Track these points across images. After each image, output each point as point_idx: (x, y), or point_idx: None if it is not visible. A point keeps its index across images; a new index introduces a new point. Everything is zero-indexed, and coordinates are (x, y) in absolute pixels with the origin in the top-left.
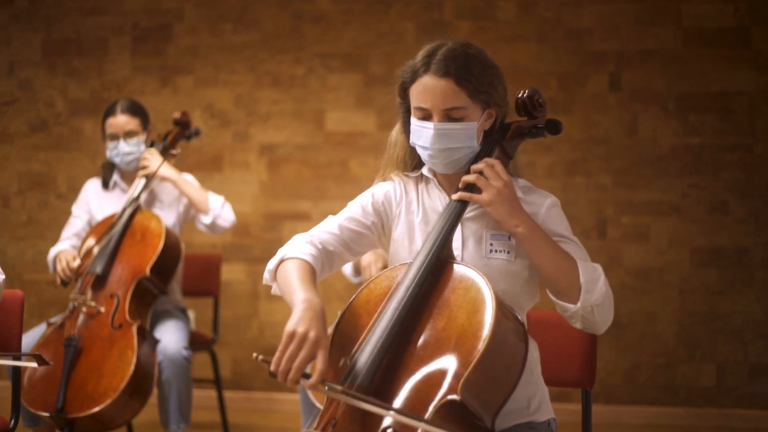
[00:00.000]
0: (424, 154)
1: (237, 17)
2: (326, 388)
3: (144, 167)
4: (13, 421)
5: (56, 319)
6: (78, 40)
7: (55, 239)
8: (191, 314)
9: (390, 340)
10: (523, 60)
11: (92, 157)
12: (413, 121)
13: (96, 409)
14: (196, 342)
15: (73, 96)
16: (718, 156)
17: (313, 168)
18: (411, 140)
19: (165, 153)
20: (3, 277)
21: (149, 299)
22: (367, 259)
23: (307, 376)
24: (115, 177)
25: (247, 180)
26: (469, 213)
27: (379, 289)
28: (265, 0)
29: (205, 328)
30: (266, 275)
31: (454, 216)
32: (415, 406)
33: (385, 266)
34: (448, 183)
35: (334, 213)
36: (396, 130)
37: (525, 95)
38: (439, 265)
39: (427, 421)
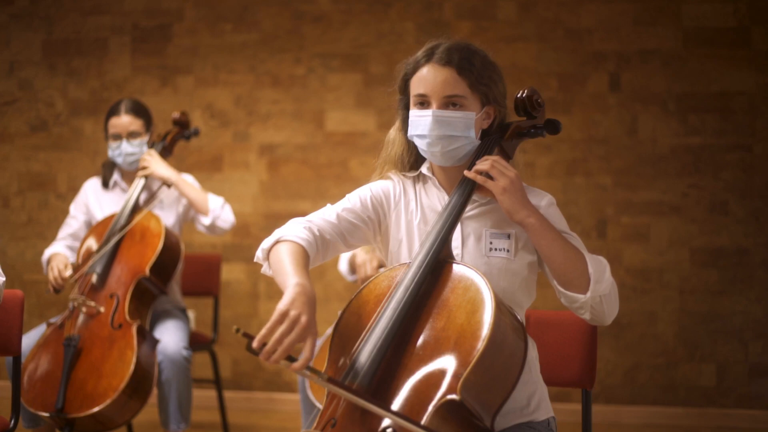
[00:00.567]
0: (422, 144)
1: (237, 17)
2: (311, 374)
3: (143, 168)
4: (13, 421)
5: (56, 319)
6: (78, 40)
7: (54, 239)
8: (191, 314)
9: (389, 340)
10: (523, 60)
11: (92, 157)
12: (412, 111)
13: (96, 409)
14: (196, 342)
15: (73, 96)
16: (718, 156)
17: (313, 168)
18: (409, 132)
19: (164, 153)
20: (3, 279)
21: (149, 299)
22: (362, 257)
23: (291, 359)
24: (116, 177)
25: (247, 180)
26: (468, 212)
27: (379, 289)
28: (265, 0)
29: (205, 328)
30: (259, 253)
31: (454, 215)
32: (414, 406)
33: (380, 266)
34: (447, 182)
35: None
36: (394, 129)
37: (524, 95)
38: (438, 264)
39: (423, 427)
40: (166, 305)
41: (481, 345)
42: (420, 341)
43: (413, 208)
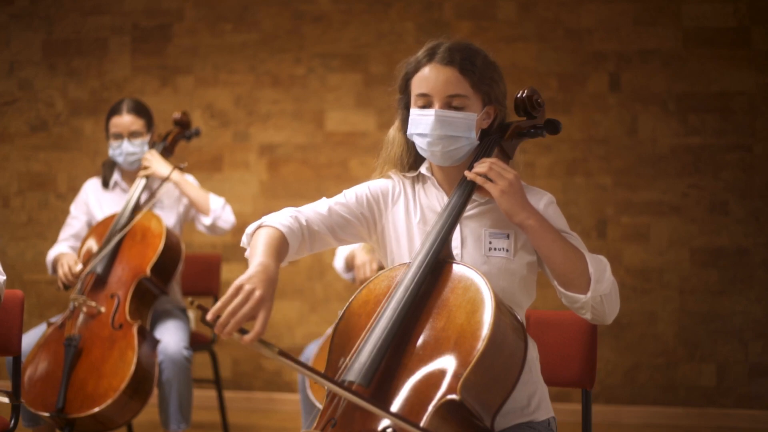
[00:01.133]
0: (422, 143)
1: (237, 17)
2: (262, 347)
3: (145, 168)
4: (13, 421)
5: (56, 319)
6: (78, 40)
7: (55, 239)
8: (191, 314)
9: (389, 340)
10: (523, 60)
11: (92, 157)
12: (413, 110)
13: (96, 410)
14: (196, 342)
15: (73, 96)
16: (718, 156)
17: (313, 168)
18: (409, 131)
19: (165, 153)
20: (4, 278)
21: (150, 299)
22: (362, 258)
23: (243, 332)
24: (116, 176)
25: (247, 180)
26: (467, 212)
27: (379, 289)
28: (265, 0)
29: (205, 328)
30: (244, 238)
31: (454, 215)
32: (414, 406)
33: (380, 267)
34: (446, 182)
35: None
36: (394, 128)
37: (524, 95)
38: (438, 264)
39: (421, 429)
40: (167, 305)
41: (481, 345)
42: (420, 341)
43: (412, 208)
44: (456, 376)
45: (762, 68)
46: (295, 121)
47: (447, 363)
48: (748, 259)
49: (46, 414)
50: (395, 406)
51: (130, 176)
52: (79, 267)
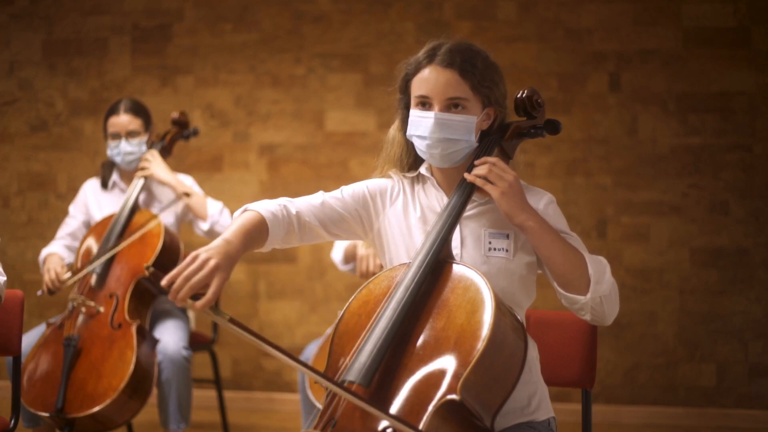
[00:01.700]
0: (421, 145)
1: (237, 17)
2: (214, 313)
3: (143, 168)
4: (13, 421)
5: (56, 319)
6: (78, 40)
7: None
8: (191, 314)
9: (389, 340)
10: (523, 60)
11: (92, 157)
12: (413, 112)
13: (96, 409)
14: (195, 342)
15: (73, 96)
16: (718, 156)
17: (313, 168)
18: (408, 132)
19: (163, 153)
20: (5, 278)
21: (148, 299)
22: (364, 251)
23: (196, 299)
24: (115, 177)
25: (247, 180)
26: (467, 212)
27: (379, 289)
28: (265, 0)
29: (205, 328)
30: (230, 220)
31: (454, 215)
32: (414, 406)
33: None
34: (446, 182)
35: None
36: (394, 128)
37: (524, 95)
38: (438, 264)
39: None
40: (166, 305)
41: (481, 345)
42: (420, 341)
43: (412, 208)
44: (456, 376)
45: (762, 68)
46: (295, 121)
47: (447, 363)
48: (748, 259)
49: (46, 414)
50: (395, 406)
51: (128, 176)
52: (67, 275)
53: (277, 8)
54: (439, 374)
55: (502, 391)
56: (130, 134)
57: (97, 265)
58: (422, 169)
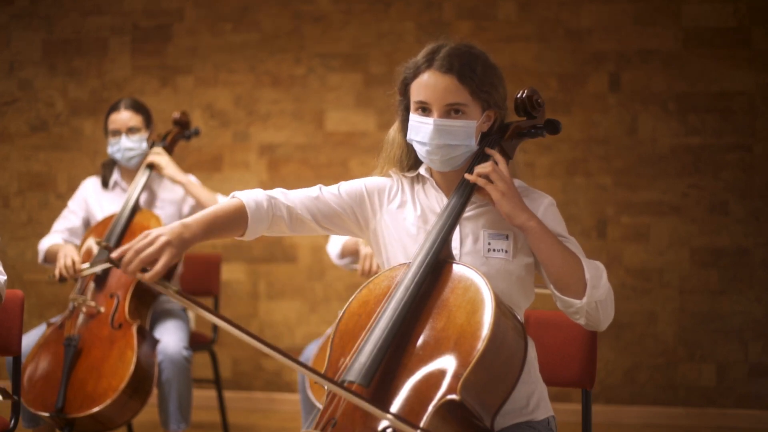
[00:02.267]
0: (421, 150)
1: (237, 17)
2: (160, 286)
3: (151, 163)
4: (13, 421)
5: (56, 319)
6: (78, 40)
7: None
8: (191, 314)
9: (389, 340)
10: (523, 60)
11: (92, 157)
12: (412, 116)
13: (96, 409)
14: (196, 342)
15: (73, 96)
16: (718, 156)
17: (313, 168)
18: (408, 136)
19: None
20: (5, 277)
21: (149, 299)
22: (368, 251)
23: (145, 271)
24: (115, 176)
25: (247, 180)
26: (467, 213)
27: (379, 289)
28: (265, 0)
29: (205, 328)
30: None
31: (454, 216)
32: (414, 406)
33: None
34: (446, 183)
35: None
36: (394, 129)
37: (524, 95)
38: (438, 265)
39: (419, 429)
40: (166, 305)
41: (481, 345)
42: (420, 341)
43: (411, 207)
44: (456, 376)
45: (762, 68)
46: (295, 121)
47: (447, 363)
48: (748, 259)
49: (46, 414)
50: (395, 407)
51: (129, 175)
52: (85, 265)
53: (277, 8)
54: (439, 374)
55: (502, 391)
56: (131, 130)
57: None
58: (422, 170)
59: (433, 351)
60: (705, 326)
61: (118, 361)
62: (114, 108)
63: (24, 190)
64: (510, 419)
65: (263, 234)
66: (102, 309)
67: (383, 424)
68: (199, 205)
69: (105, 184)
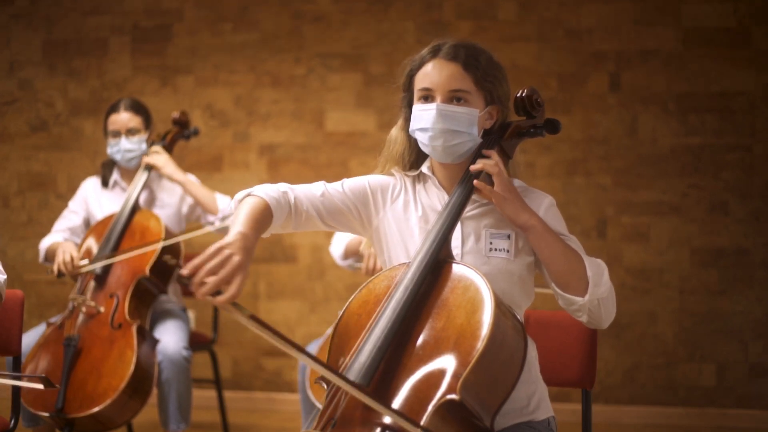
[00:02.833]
0: (423, 138)
1: (237, 17)
2: (234, 309)
3: (150, 163)
4: (13, 421)
5: (56, 319)
6: (78, 40)
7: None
8: (191, 314)
9: (389, 340)
10: (523, 60)
11: (92, 157)
12: (415, 106)
13: (96, 409)
14: (196, 342)
15: (73, 96)
16: (718, 156)
17: (313, 168)
18: (411, 127)
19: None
20: (5, 276)
21: (149, 299)
22: (372, 250)
23: (217, 294)
24: (115, 176)
25: (247, 180)
26: (468, 212)
27: (378, 289)
28: (265, 0)
29: (205, 328)
30: (231, 204)
31: (454, 215)
32: (414, 406)
33: None
34: (447, 181)
35: None
36: (397, 128)
37: (524, 95)
38: (438, 264)
39: (420, 426)
40: (166, 305)
41: (480, 345)
42: (420, 341)
43: (413, 207)
44: (456, 376)
45: (762, 68)
46: (295, 121)
47: (447, 363)
48: (748, 259)
49: (46, 414)
50: (395, 406)
51: (129, 175)
52: (85, 262)
53: (277, 8)
54: (439, 374)
55: (502, 391)
56: (131, 131)
57: (109, 262)
58: (424, 168)
59: (433, 351)
60: (705, 326)
61: (118, 361)
62: (113, 109)
63: (24, 190)
64: (510, 419)
65: (274, 232)
66: (102, 309)
67: (383, 423)
68: (197, 204)
69: (105, 183)
